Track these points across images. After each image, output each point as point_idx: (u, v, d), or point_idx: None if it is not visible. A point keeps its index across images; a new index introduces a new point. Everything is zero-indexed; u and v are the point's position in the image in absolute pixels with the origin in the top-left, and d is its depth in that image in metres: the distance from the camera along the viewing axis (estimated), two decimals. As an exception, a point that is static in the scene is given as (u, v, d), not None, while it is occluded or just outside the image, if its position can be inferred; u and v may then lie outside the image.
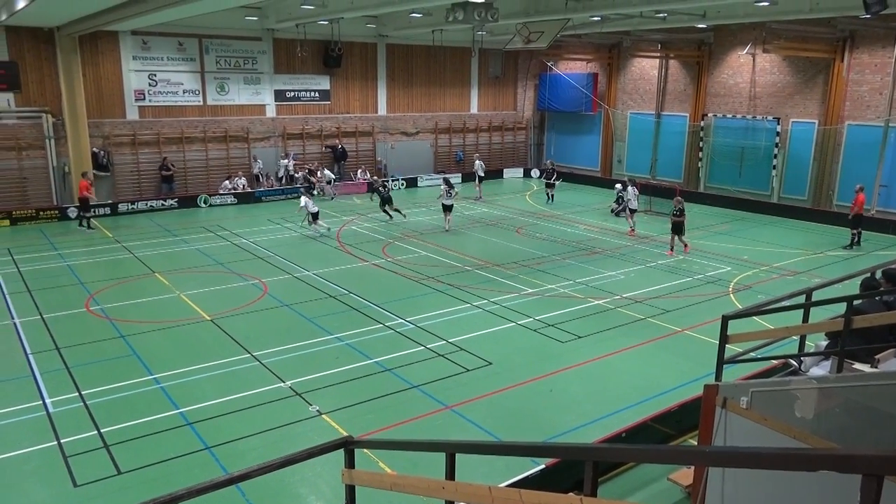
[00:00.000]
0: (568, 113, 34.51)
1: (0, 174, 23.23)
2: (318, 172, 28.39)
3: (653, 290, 15.87)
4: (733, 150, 28.02)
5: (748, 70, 27.26)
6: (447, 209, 22.26)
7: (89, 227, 22.02)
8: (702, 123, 28.85)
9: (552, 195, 27.82)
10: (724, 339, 6.55)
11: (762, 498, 5.27)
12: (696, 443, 7.99)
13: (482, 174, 29.06)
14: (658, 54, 30.10)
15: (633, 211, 22.48)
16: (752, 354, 7.79)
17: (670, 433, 9.16)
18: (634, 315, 14.11)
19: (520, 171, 35.55)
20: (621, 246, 20.27)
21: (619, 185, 26.04)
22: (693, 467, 7.00)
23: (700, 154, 29.17)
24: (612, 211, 25.49)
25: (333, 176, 28.61)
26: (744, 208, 26.41)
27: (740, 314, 7.43)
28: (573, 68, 34.32)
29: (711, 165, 29.08)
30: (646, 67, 31.35)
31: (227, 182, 27.08)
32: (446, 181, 22.68)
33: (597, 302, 14.93)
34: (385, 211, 23.55)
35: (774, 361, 9.02)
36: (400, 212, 23.65)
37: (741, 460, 2.43)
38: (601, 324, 13.55)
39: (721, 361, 6.62)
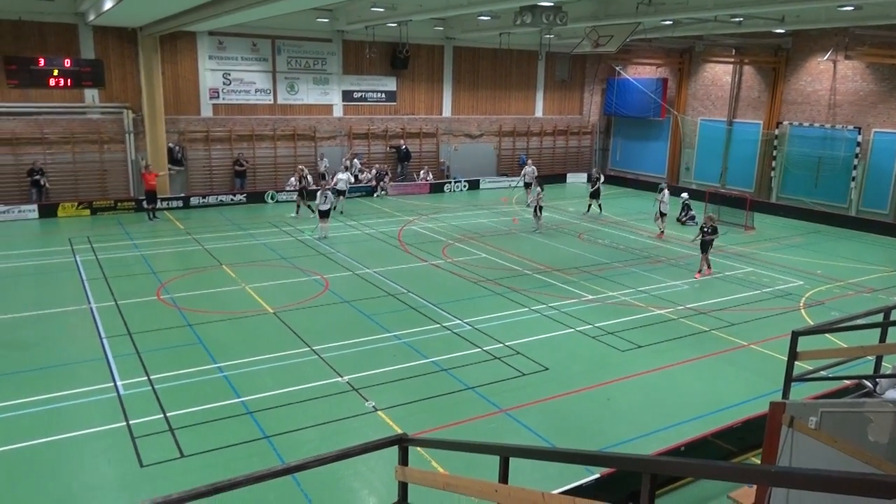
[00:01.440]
0: (635, 118, 33.89)
1: (83, 166, 24.47)
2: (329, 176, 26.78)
3: (718, 301, 15.40)
4: (809, 160, 26.91)
5: (828, 77, 26.14)
6: (541, 210, 22.53)
7: (154, 216, 23.11)
8: (776, 132, 27.82)
9: (600, 205, 25.74)
10: (793, 355, 6.30)
11: (829, 523, 5.04)
12: (758, 461, 7.70)
13: (529, 181, 27.31)
14: (732, 60, 29.21)
15: (663, 214, 22.54)
16: (823, 373, 7.46)
17: (731, 450, 8.86)
18: (698, 327, 13.72)
19: (583, 176, 35.02)
20: (686, 255, 19.75)
21: (685, 195, 25.42)
22: (755, 487, 6.75)
23: (773, 163, 28.14)
24: (678, 219, 24.89)
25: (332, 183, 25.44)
26: (819, 221, 25.33)
27: (812, 330, 7.14)
28: (642, 73, 33.66)
29: (785, 175, 28.01)
30: (718, 73, 30.47)
31: (292, 179, 27.70)
32: (539, 184, 22.75)
33: (659, 311, 14.59)
34: (301, 205, 24.09)
35: (847, 382, 8.62)
36: (310, 208, 23.57)
37: (810, 483, 2.33)
38: (663, 334, 13.24)
39: (789, 379, 6.37)
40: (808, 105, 26.98)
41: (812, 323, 13.63)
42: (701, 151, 31.52)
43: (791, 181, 27.77)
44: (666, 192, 22.73)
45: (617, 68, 33.78)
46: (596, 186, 25.78)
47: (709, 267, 17.78)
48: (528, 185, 27.47)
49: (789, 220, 25.88)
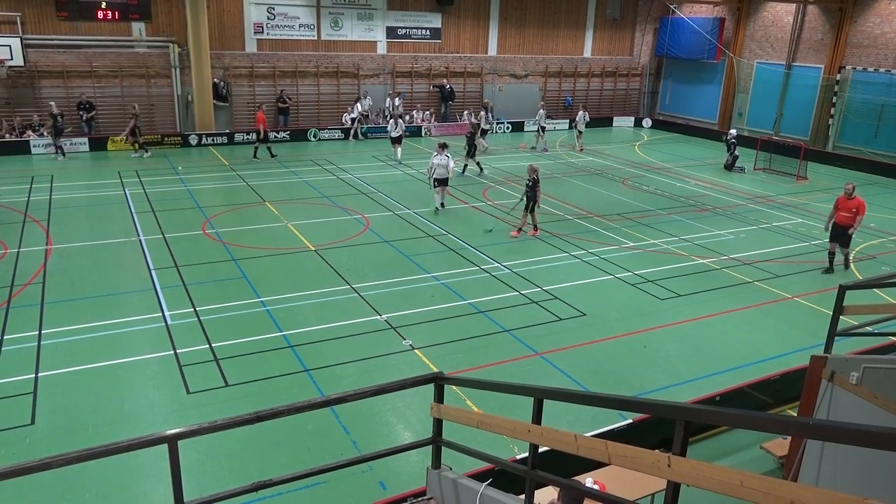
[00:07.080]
0: (688, 60, 32.61)
1: (131, 100, 24.75)
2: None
3: (764, 252, 15.05)
4: (871, 108, 25.66)
5: (899, 19, 24.64)
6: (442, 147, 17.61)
7: (272, 155, 22.95)
8: (838, 77, 26.50)
9: (479, 163, 21.81)
10: (838, 309, 6.16)
11: (862, 479, 5.02)
12: (794, 414, 7.66)
13: (582, 129, 26.55)
14: (795, -1, 27.69)
15: (580, 132, 26.24)
16: (869, 329, 7.30)
17: (768, 402, 8.82)
18: (741, 277, 13.48)
19: (630, 120, 34.18)
20: (734, 204, 19.25)
21: (732, 131, 24.64)
22: (790, 439, 6.74)
23: (832, 110, 26.92)
24: (726, 166, 24.20)
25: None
26: (877, 172, 24.30)
27: (860, 285, 6.96)
28: (698, 12, 32.20)
29: (844, 123, 26.82)
30: (780, 13, 28.95)
31: (353, 108, 27.34)
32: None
33: (701, 261, 14.36)
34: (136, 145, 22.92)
35: (893, 338, 8.44)
36: (145, 149, 22.88)
37: (850, 437, 2.30)
38: (704, 284, 13.06)
39: (833, 333, 6.24)
40: (875, 49, 25.54)
41: (861, 277, 13.27)
42: (755, 96, 30.31)
43: (850, 130, 26.59)
44: (581, 113, 26.23)
45: (672, 7, 32.34)
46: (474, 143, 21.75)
47: (535, 228, 15.54)
48: (543, 130, 26.29)
49: (845, 170, 24.88)
